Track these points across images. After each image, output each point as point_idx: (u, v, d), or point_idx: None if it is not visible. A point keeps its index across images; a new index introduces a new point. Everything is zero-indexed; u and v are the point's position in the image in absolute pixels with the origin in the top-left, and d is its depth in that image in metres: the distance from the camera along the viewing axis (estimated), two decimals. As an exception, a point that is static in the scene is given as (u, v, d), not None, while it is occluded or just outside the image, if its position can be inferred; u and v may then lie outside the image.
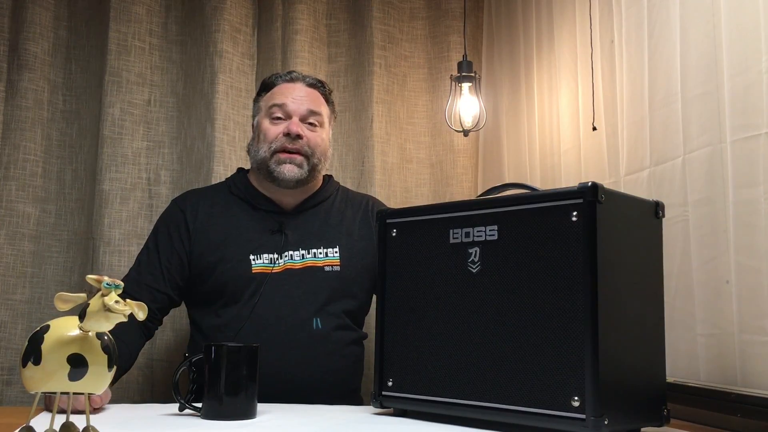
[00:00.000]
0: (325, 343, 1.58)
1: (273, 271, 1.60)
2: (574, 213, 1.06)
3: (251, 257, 1.61)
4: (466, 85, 1.97)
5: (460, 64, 1.98)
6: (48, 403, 1.15)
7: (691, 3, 1.38)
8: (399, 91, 2.31)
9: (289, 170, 1.63)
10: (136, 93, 2.06)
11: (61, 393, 0.88)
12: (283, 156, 1.63)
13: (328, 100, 1.75)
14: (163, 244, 1.65)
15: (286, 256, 1.62)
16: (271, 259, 1.62)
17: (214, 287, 1.61)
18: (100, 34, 2.06)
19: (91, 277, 0.86)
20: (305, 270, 1.62)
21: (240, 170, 1.78)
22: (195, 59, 2.13)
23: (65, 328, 0.87)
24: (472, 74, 1.97)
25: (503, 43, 2.21)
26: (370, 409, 1.33)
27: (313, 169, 1.66)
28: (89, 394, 0.91)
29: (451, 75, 2.00)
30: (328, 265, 1.64)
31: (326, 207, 1.72)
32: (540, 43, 1.99)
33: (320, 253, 1.65)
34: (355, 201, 1.78)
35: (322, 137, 1.69)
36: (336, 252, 1.66)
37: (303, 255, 1.64)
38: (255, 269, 1.60)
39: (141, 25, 2.08)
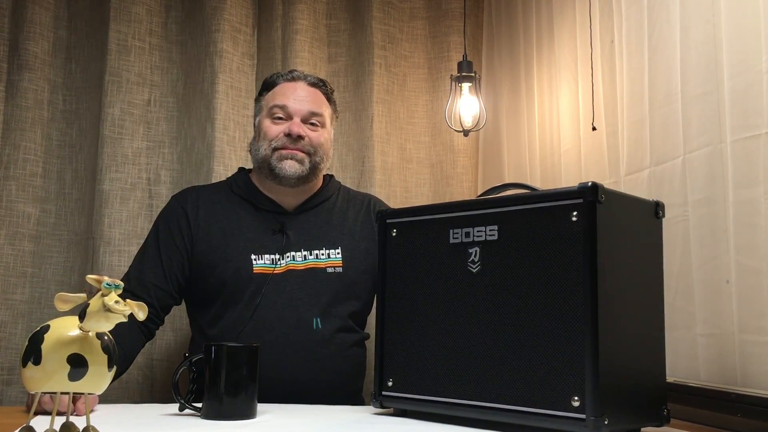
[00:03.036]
0: (327, 345, 1.57)
1: (275, 272, 1.59)
2: (574, 213, 1.06)
3: (252, 257, 1.60)
4: (466, 85, 1.96)
5: (460, 64, 1.97)
6: (30, 402, 1.16)
7: (691, 3, 1.38)
8: (399, 91, 2.31)
9: (290, 166, 1.62)
10: (136, 93, 2.06)
11: (61, 393, 0.88)
12: (284, 152, 1.62)
13: (330, 100, 1.74)
14: (164, 241, 1.63)
15: (287, 256, 1.61)
16: (272, 259, 1.61)
17: (214, 286, 1.60)
18: (100, 34, 2.06)
19: (91, 277, 0.86)
20: (307, 271, 1.61)
21: (241, 170, 1.77)
22: (195, 59, 2.13)
23: (65, 328, 0.87)
24: (472, 74, 1.96)
25: (503, 43, 2.21)
26: (370, 409, 1.33)
27: (314, 167, 1.65)
28: (89, 393, 0.91)
29: (451, 75, 2.00)
30: (330, 267, 1.63)
31: (328, 207, 1.71)
32: (540, 43, 1.99)
33: (322, 254, 1.64)
34: (356, 201, 1.77)
35: (324, 136, 1.68)
36: (338, 253, 1.65)
37: (305, 256, 1.63)
38: (256, 269, 1.59)
39: (141, 25, 2.08)
